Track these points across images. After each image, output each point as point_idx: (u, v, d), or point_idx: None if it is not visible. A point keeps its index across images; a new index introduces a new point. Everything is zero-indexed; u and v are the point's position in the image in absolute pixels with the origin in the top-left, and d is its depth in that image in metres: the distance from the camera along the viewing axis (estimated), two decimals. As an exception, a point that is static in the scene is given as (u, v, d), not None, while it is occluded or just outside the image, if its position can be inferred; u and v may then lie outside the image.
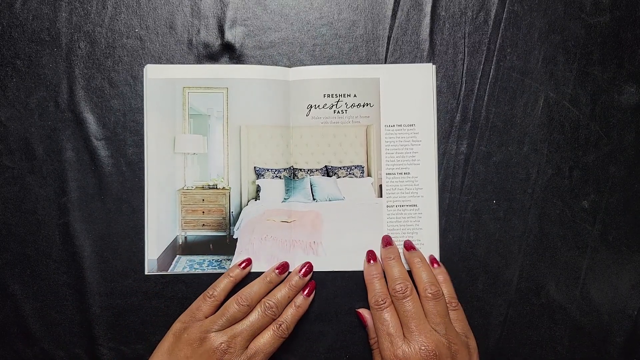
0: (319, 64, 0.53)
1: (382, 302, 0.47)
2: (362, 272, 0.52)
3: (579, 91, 0.53)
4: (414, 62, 0.53)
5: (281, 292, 0.49)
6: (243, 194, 0.53)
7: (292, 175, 0.53)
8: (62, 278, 0.51)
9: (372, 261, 0.51)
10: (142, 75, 0.52)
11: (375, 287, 0.49)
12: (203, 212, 0.53)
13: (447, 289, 0.49)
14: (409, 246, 0.51)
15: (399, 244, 0.52)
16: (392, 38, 0.53)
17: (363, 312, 0.51)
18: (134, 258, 0.51)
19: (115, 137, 0.52)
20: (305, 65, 0.53)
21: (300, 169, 0.53)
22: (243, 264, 0.51)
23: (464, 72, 0.53)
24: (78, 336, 0.51)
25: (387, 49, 0.53)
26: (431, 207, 0.52)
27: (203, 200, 0.53)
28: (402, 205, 0.53)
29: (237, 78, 0.52)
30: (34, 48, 0.52)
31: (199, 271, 0.52)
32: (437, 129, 0.53)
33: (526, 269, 0.52)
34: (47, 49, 0.52)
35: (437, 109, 0.53)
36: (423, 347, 0.44)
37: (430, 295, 0.47)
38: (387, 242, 0.51)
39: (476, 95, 0.53)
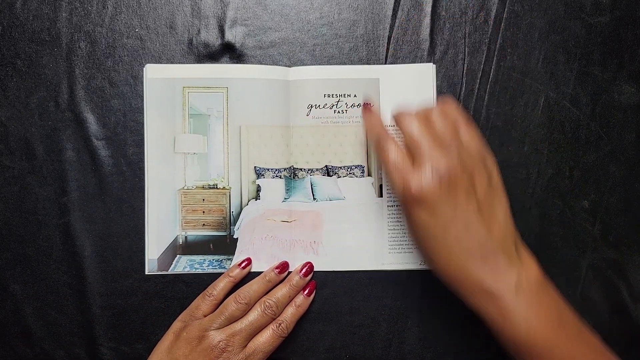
0: (319, 64, 0.53)
1: (383, 139, 0.44)
2: (362, 272, 0.52)
3: (579, 91, 0.53)
4: (414, 62, 0.53)
5: (281, 292, 0.49)
6: (243, 193, 0.53)
7: (292, 175, 0.53)
8: (62, 278, 0.51)
9: (368, 110, 0.47)
10: (142, 75, 0.52)
11: (375, 131, 0.45)
12: (203, 212, 0.53)
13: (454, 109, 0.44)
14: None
15: (399, 244, 0.52)
16: (392, 38, 0.53)
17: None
18: (134, 258, 0.51)
19: (115, 137, 0.52)
20: (305, 65, 0.53)
21: (301, 169, 0.53)
22: (243, 264, 0.51)
23: (464, 72, 0.53)
24: (78, 336, 0.51)
25: (387, 49, 0.53)
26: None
27: (203, 200, 0.53)
28: (403, 205, 0.52)
29: (237, 78, 0.52)
30: (34, 48, 0.52)
31: (200, 271, 0.52)
32: (438, 129, 0.53)
33: (526, 268, 0.52)
34: (47, 49, 0.52)
35: (438, 109, 0.53)
36: (435, 171, 0.40)
37: (435, 112, 0.43)
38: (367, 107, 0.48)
39: (476, 95, 0.53)
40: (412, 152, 0.42)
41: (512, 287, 0.39)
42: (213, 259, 0.52)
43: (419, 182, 0.40)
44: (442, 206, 0.40)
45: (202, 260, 0.52)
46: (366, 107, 0.48)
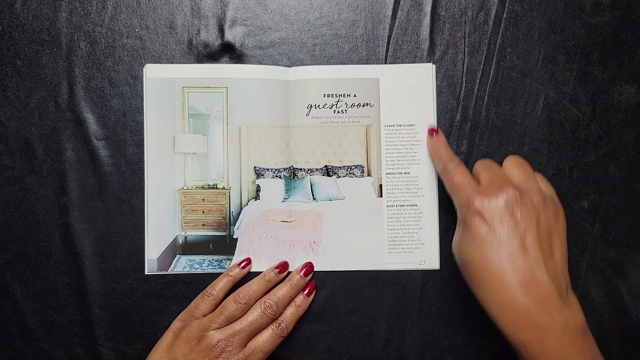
0: (319, 64, 0.53)
1: (450, 163, 0.47)
2: (362, 272, 0.52)
3: (579, 91, 0.53)
4: (414, 62, 0.53)
5: (282, 292, 0.49)
6: (243, 193, 0.53)
7: (292, 175, 0.53)
8: (62, 278, 0.51)
9: (434, 135, 0.50)
10: (142, 75, 0.52)
11: (442, 155, 0.48)
12: (203, 212, 0.53)
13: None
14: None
15: (398, 244, 0.52)
16: (392, 38, 0.53)
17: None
18: (134, 258, 0.51)
19: (115, 137, 0.52)
20: (305, 65, 0.53)
21: (300, 169, 0.53)
22: (242, 264, 0.51)
23: (464, 72, 0.53)
24: (78, 336, 0.51)
25: (387, 49, 0.53)
26: (431, 206, 0.52)
27: (203, 200, 0.53)
28: (402, 205, 0.53)
29: (237, 78, 0.52)
30: (34, 48, 0.52)
31: (199, 271, 0.52)
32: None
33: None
34: (47, 49, 0.52)
35: (437, 109, 0.53)
36: (502, 191, 0.41)
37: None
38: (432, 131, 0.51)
39: (476, 95, 0.53)
40: (483, 182, 0.44)
41: (560, 326, 0.39)
42: (213, 259, 0.52)
43: (483, 197, 0.42)
44: (502, 223, 0.41)
45: (201, 260, 0.52)
46: (432, 132, 0.50)
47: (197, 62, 0.52)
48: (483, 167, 0.46)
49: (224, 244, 0.52)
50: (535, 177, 0.46)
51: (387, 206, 0.53)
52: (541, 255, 0.40)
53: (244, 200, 0.53)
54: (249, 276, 0.51)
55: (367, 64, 0.53)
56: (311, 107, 0.53)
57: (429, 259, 0.52)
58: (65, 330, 0.51)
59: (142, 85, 0.52)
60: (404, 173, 0.53)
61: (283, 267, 0.51)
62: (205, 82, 0.52)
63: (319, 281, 0.52)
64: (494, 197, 0.41)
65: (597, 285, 0.52)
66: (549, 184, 0.46)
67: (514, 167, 0.46)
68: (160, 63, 0.52)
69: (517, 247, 0.40)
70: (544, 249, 0.41)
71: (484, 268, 0.41)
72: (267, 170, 0.53)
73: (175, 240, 0.52)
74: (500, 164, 0.48)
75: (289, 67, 0.53)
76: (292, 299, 0.50)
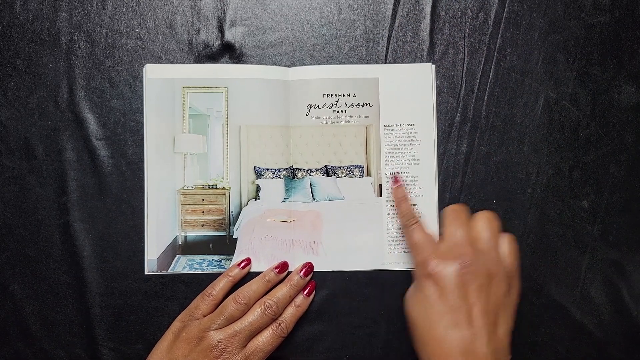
0: (319, 64, 0.53)
1: (410, 220, 0.47)
2: (361, 272, 0.52)
3: (579, 91, 0.53)
4: (414, 62, 0.53)
5: (282, 292, 0.49)
6: (243, 193, 0.53)
7: (291, 175, 0.53)
8: (62, 278, 0.51)
9: (396, 184, 0.51)
10: (142, 75, 0.52)
11: (403, 209, 0.49)
12: (203, 212, 0.53)
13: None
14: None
15: (398, 244, 0.52)
16: (392, 38, 0.53)
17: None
18: (134, 258, 0.51)
19: (115, 137, 0.52)
20: (305, 65, 0.53)
21: (300, 169, 0.53)
22: (242, 264, 0.51)
23: (464, 72, 0.53)
24: (78, 336, 0.51)
25: (387, 49, 0.53)
26: (431, 207, 0.52)
27: (203, 200, 0.53)
28: (402, 205, 0.52)
29: (237, 78, 0.52)
30: (34, 48, 0.52)
31: (199, 271, 0.52)
32: (437, 129, 0.53)
33: (526, 268, 0.52)
34: (47, 49, 0.52)
35: (437, 109, 0.53)
36: (458, 260, 0.42)
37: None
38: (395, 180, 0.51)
39: (476, 95, 0.53)
40: (445, 240, 0.45)
41: None
42: (212, 259, 0.52)
43: (439, 261, 0.43)
44: (453, 291, 0.42)
45: (201, 261, 0.52)
46: (396, 181, 0.51)
47: (197, 62, 0.52)
48: (451, 217, 0.46)
49: (224, 244, 0.52)
50: (502, 241, 0.45)
51: (387, 206, 0.53)
52: (485, 329, 0.41)
53: (244, 201, 0.53)
54: (249, 276, 0.51)
55: (367, 64, 0.53)
56: (311, 107, 0.53)
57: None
58: (65, 330, 0.51)
59: (142, 85, 0.52)
60: (404, 173, 0.53)
61: (283, 267, 0.51)
62: (205, 82, 0.52)
63: (319, 281, 0.52)
64: (449, 263, 0.42)
65: (597, 285, 0.52)
66: (513, 250, 0.45)
67: (483, 226, 0.45)
68: (160, 63, 0.52)
69: (463, 316, 0.41)
70: (489, 322, 0.41)
71: (429, 331, 0.42)
72: (267, 170, 0.53)
73: (175, 240, 0.52)
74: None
75: (289, 67, 0.53)
76: (292, 299, 0.50)
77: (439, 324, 0.42)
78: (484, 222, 0.46)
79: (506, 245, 0.45)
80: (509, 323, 0.43)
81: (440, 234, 0.47)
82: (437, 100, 0.53)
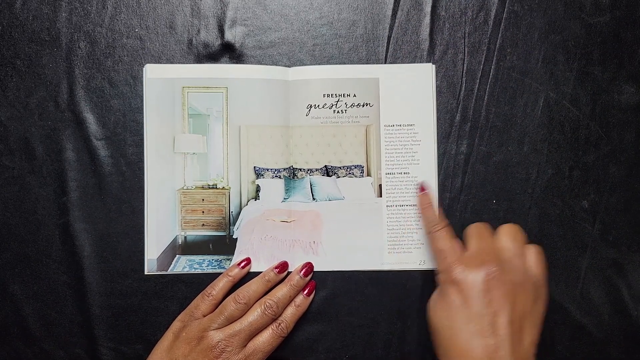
0: (319, 64, 0.53)
1: (435, 227, 0.47)
2: (361, 272, 0.52)
3: (579, 91, 0.53)
4: (414, 62, 0.53)
5: (282, 292, 0.49)
6: (243, 193, 0.53)
7: (291, 175, 0.53)
8: (62, 278, 0.51)
9: (421, 192, 0.51)
10: (142, 75, 0.52)
11: (428, 215, 0.49)
12: (203, 212, 0.53)
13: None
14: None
15: (398, 244, 0.52)
16: (392, 38, 0.53)
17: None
18: (134, 258, 0.51)
19: (115, 137, 0.52)
20: (305, 65, 0.53)
21: (300, 169, 0.53)
22: (242, 264, 0.51)
23: (464, 72, 0.53)
24: (78, 336, 0.51)
25: (387, 49, 0.53)
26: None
27: (203, 200, 0.53)
28: (402, 205, 0.53)
29: (237, 78, 0.52)
30: (34, 48, 0.52)
31: (199, 271, 0.52)
32: (437, 129, 0.53)
33: (526, 269, 0.52)
34: (47, 49, 0.52)
35: (437, 109, 0.53)
36: (484, 268, 0.42)
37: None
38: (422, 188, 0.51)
39: (476, 95, 0.53)
40: (470, 249, 0.45)
41: None
42: (212, 259, 0.52)
43: (464, 268, 0.42)
44: (477, 298, 0.41)
45: (201, 261, 0.52)
46: (422, 189, 0.51)
47: (197, 62, 0.52)
48: (475, 233, 0.46)
49: (224, 244, 0.52)
50: (528, 252, 0.45)
51: (387, 206, 0.53)
52: (510, 338, 0.40)
53: (244, 201, 0.53)
54: (249, 276, 0.51)
55: (367, 64, 0.53)
56: (311, 107, 0.53)
57: (429, 259, 0.52)
58: (65, 330, 0.51)
59: (142, 85, 0.52)
60: (404, 173, 0.53)
61: (283, 267, 0.51)
62: (205, 82, 0.52)
63: (319, 281, 0.52)
64: (474, 270, 0.42)
65: (597, 285, 0.52)
66: (540, 262, 0.45)
67: (507, 238, 0.45)
68: (160, 63, 0.52)
69: (487, 325, 0.41)
70: (514, 331, 0.41)
71: (452, 338, 0.42)
72: (267, 170, 0.53)
73: (175, 240, 0.52)
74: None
75: (289, 67, 0.53)
76: (292, 299, 0.50)
77: (462, 332, 0.41)
78: (509, 234, 0.46)
79: (533, 255, 0.45)
80: (535, 334, 0.43)
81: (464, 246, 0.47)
82: (437, 100, 0.53)
